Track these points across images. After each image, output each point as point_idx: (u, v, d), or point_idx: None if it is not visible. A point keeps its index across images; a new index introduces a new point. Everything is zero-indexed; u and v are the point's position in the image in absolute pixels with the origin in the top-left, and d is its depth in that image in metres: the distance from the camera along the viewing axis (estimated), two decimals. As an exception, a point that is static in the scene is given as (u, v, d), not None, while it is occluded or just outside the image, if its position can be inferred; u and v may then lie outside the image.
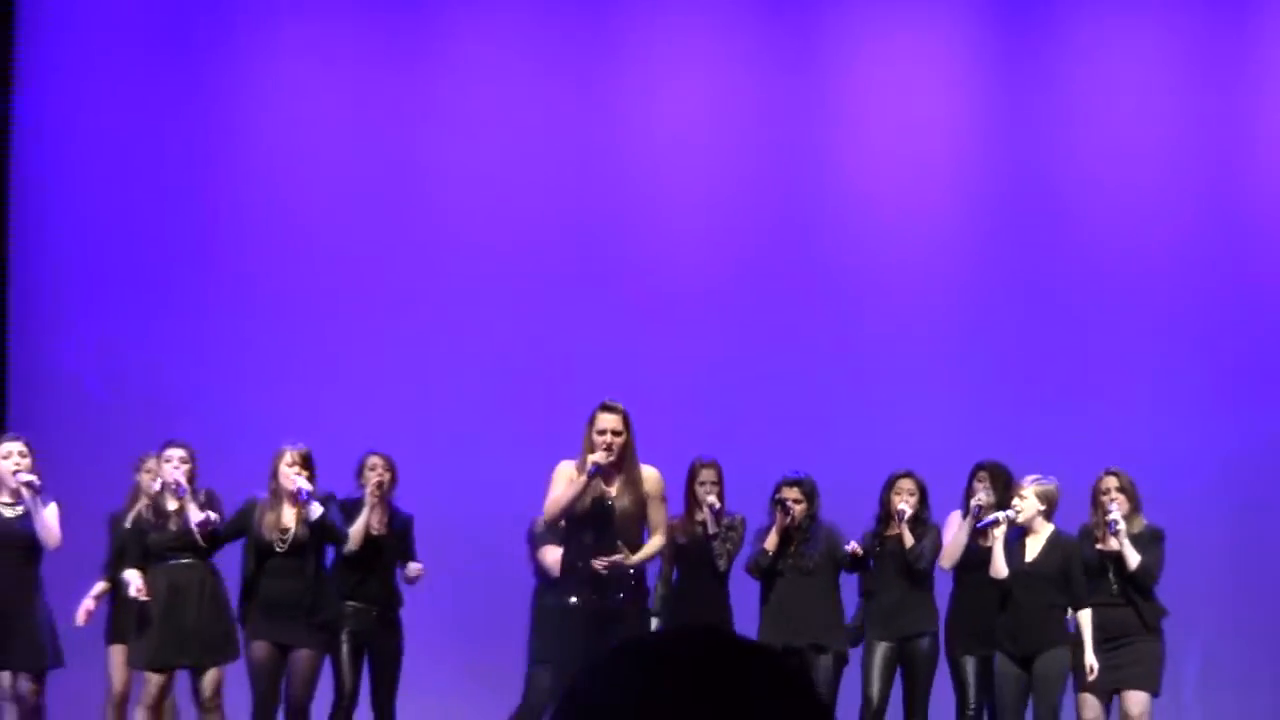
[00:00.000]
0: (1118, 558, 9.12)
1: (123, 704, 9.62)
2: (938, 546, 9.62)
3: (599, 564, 8.20)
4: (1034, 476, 9.28)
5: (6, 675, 9.13)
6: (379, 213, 11.82)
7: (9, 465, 9.10)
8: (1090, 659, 9.06)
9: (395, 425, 10.97)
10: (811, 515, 9.46)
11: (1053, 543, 9.19)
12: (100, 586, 9.46)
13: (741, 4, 12.00)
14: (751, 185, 11.88)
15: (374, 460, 9.65)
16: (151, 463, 9.47)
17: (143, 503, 9.43)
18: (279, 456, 9.07)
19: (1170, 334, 11.77)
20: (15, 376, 11.66)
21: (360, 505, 9.54)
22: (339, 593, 9.51)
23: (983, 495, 9.51)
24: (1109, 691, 9.14)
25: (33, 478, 9.04)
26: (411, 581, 9.69)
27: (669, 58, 11.92)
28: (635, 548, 8.34)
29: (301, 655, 9.00)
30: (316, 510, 8.98)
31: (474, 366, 11.60)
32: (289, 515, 9.01)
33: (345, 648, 9.53)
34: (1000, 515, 9.23)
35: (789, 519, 9.40)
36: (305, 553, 9.01)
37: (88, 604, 9.37)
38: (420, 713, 10.11)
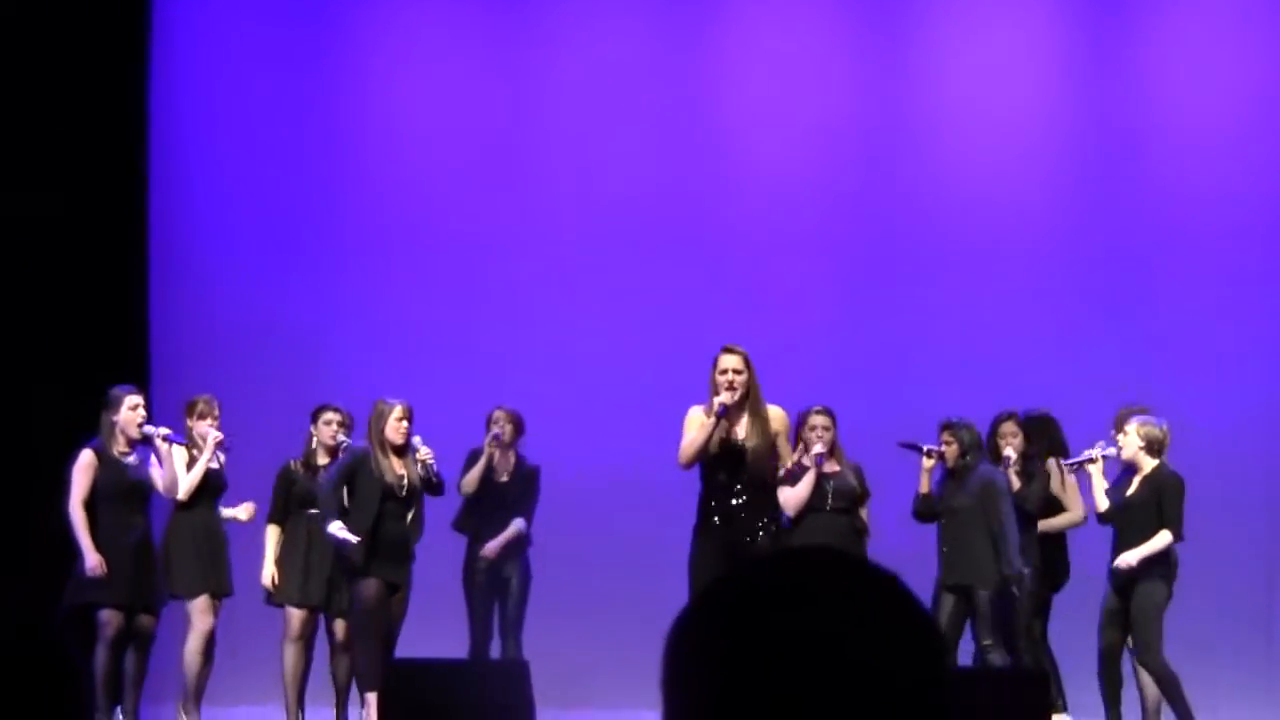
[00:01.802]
0: None
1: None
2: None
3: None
4: (1142, 416, 9.49)
5: (146, 618, 9.63)
6: (502, 187, 12.15)
7: (136, 416, 9.59)
8: (1127, 557, 9.27)
9: (527, 382, 11.39)
10: (964, 457, 9.66)
11: (1150, 478, 9.40)
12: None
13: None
14: (851, 144, 12.08)
15: (498, 414, 10.32)
16: (329, 415, 10.03)
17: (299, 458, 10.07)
18: (389, 411, 9.52)
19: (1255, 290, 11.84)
20: (158, 337, 11.99)
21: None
22: (469, 534, 10.24)
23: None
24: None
25: (167, 430, 9.61)
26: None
27: (760, 25, 12.15)
28: (767, 484, 8.75)
29: (400, 596, 9.54)
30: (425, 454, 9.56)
31: (598, 323, 11.93)
32: (398, 464, 9.50)
33: (478, 585, 10.25)
34: (1097, 451, 9.60)
35: (933, 461, 9.73)
36: (413, 499, 9.54)
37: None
38: (548, 647, 10.48)
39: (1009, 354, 11.67)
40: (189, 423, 9.89)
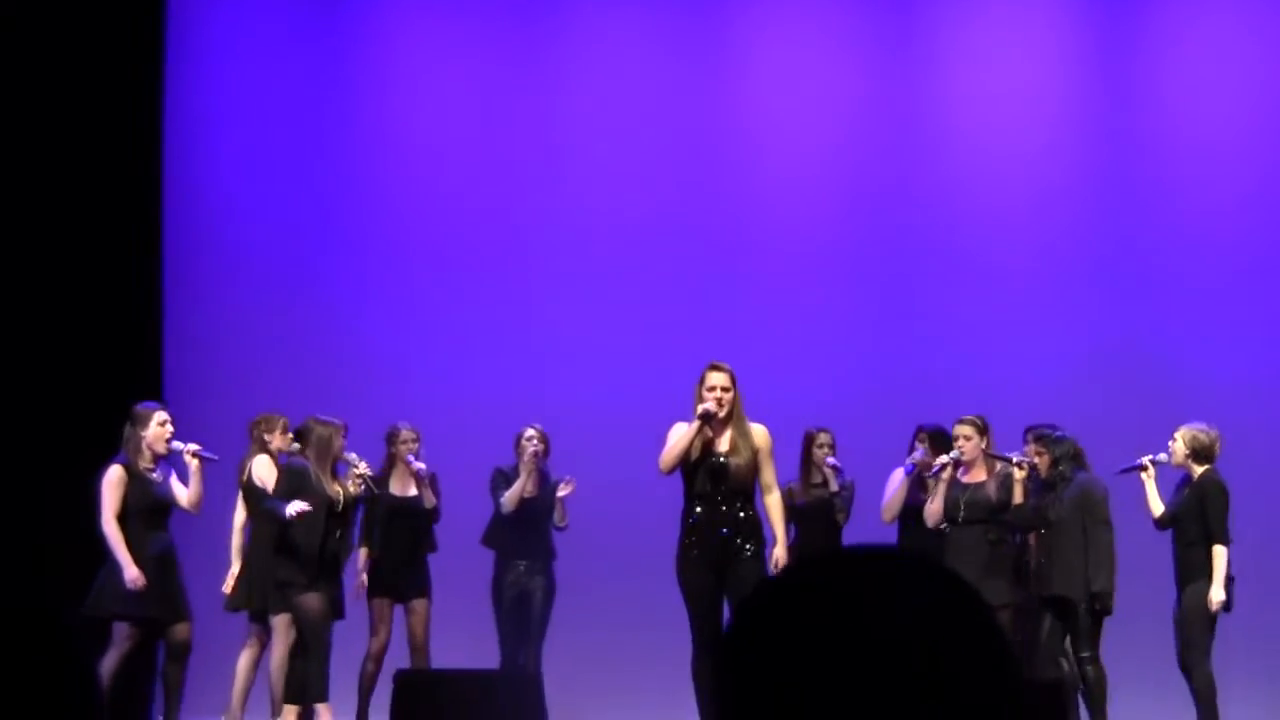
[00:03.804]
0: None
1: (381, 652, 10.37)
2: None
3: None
4: (1192, 423, 9.54)
5: (183, 628, 9.65)
6: (520, 196, 12.18)
7: (164, 433, 9.59)
8: (1215, 592, 9.27)
9: (545, 401, 11.43)
10: (1057, 467, 9.61)
11: (1196, 484, 9.46)
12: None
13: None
14: (858, 156, 12.13)
15: (530, 432, 10.62)
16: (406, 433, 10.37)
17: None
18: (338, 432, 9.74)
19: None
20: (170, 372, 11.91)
21: (517, 472, 10.55)
22: (500, 549, 10.58)
23: (919, 454, 10.06)
24: None
25: (196, 446, 9.61)
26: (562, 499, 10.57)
27: (774, 28, 12.17)
28: (749, 499, 8.86)
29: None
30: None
31: (617, 330, 11.98)
32: (334, 482, 9.70)
33: (505, 598, 10.57)
34: (1145, 459, 9.59)
35: (1024, 473, 9.70)
36: (347, 514, 9.76)
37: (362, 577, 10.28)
38: (566, 657, 10.69)
39: (1023, 357, 11.73)
40: (267, 437, 9.97)
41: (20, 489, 10.97)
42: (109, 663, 9.41)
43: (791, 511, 9.98)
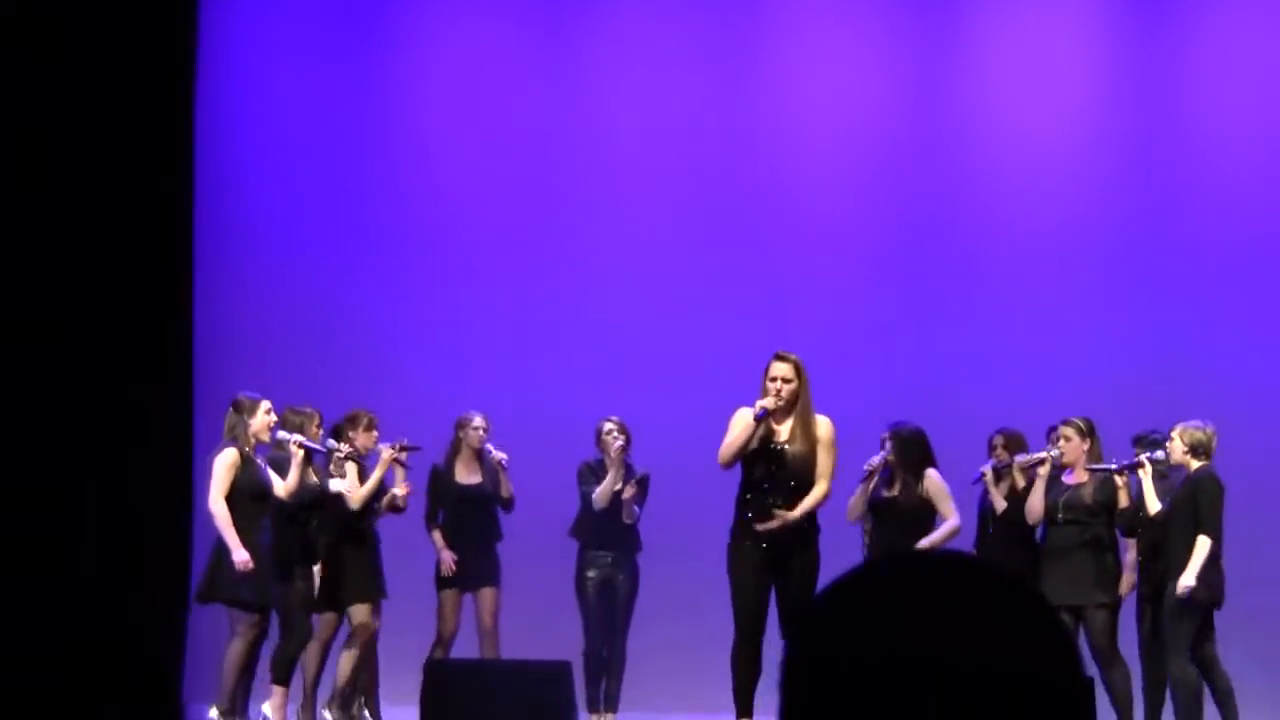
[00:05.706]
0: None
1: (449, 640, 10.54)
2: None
3: (763, 528, 8.65)
4: (1188, 421, 9.63)
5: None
6: (554, 187, 12.30)
7: (270, 421, 9.67)
8: (1185, 578, 9.35)
9: (595, 385, 11.62)
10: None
11: (1191, 480, 9.55)
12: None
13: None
14: (898, 167, 12.21)
15: (609, 425, 10.55)
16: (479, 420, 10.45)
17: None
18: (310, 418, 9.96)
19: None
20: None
21: (602, 465, 10.60)
22: (584, 541, 10.59)
23: (878, 458, 10.07)
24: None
25: (301, 437, 9.70)
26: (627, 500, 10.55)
27: (812, 30, 12.29)
28: (806, 489, 8.79)
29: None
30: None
31: (664, 323, 12.06)
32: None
33: (590, 590, 10.56)
34: (1144, 457, 9.74)
35: (1125, 477, 9.80)
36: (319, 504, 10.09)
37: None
38: (647, 647, 10.89)
39: (1062, 367, 11.79)
40: (351, 434, 10.05)
41: (47, 493, 10.66)
42: (235, 651, 9.50)
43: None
